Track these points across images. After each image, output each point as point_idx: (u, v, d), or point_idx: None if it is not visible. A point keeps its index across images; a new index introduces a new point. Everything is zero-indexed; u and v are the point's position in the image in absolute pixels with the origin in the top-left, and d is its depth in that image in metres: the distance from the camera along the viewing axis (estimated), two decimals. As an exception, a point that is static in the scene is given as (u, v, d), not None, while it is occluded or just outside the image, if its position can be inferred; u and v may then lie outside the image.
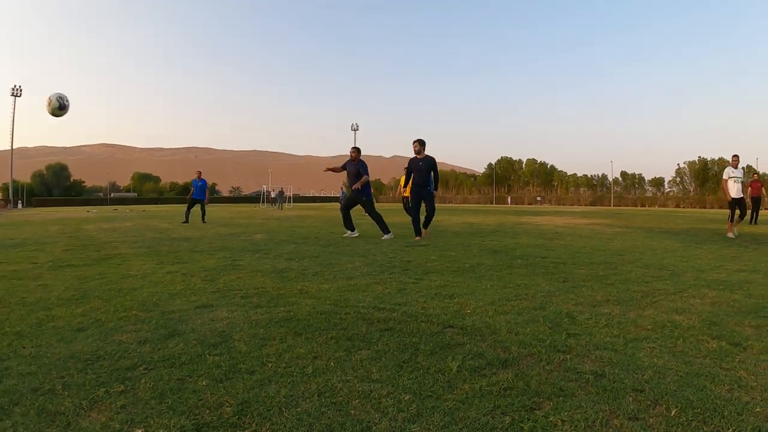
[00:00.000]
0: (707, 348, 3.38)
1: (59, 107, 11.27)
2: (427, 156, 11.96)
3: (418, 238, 11.77)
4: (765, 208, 19.59)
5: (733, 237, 13.13)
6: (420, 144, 11.91)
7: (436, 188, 12.17)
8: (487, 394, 2.54)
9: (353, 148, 12.76)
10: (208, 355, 3.16)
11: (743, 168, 14.00)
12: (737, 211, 13.91)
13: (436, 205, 12.34)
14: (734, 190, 13.91)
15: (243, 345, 3.38)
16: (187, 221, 19.94)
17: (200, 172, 21.21)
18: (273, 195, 67.35)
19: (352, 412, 2.34)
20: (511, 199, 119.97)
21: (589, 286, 5.65)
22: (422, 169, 11.80)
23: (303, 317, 4.12)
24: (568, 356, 3.15)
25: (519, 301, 4.77)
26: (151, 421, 2.29)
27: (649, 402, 2.48)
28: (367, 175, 12.32)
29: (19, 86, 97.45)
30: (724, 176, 14.05)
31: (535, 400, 2.48)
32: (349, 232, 13.06)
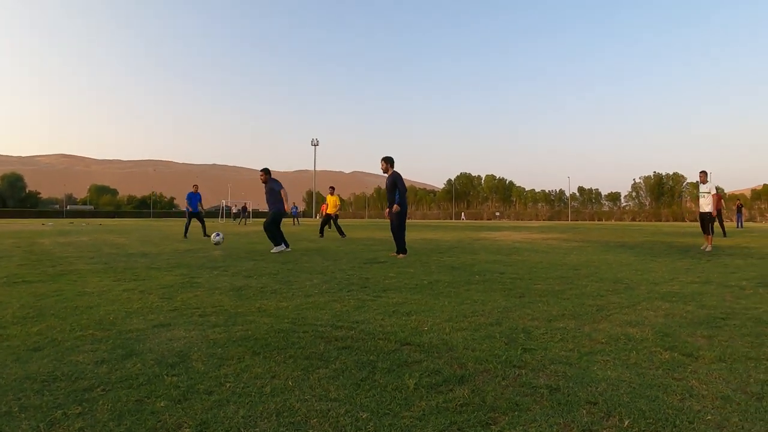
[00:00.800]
0: (660, 359, 3.48)
1: None
2: (393, 172, 12.09)
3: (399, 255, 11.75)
4: (728, 220, 20.41)
5: (707, 250, 13.71)
6: (386, 162, 12.07)
7: (400, 202, 11.86)
8: (443, 411, 2.57)
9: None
10: (165, 376, 3.14)
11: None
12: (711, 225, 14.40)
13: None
14: (702, 205, 14.65)
15: (201, 365, 3.37)
16: (185, 237, 19.90)
17: (197, 186, 20.98)
18: (234, 210, 66.81)
19: (311, 431, 2.37)
20: (465, 214, 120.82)
21: (545, 301, 5.73)
22: (388, 187, 11.96)
23: (261, 336, 4.11)
24: (523, 371, 3.20)
25: (476, 318, 4.81)
26: (110, 443, 2.27)
27: (602, 414, 2.55)
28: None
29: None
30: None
31: (490, 416, 2.52)
32: (282, 246, 13.07)
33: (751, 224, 59.96)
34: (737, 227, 37.34)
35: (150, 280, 7.47)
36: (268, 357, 3.53)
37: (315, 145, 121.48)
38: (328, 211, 21.66)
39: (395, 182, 11.79)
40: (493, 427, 2.41)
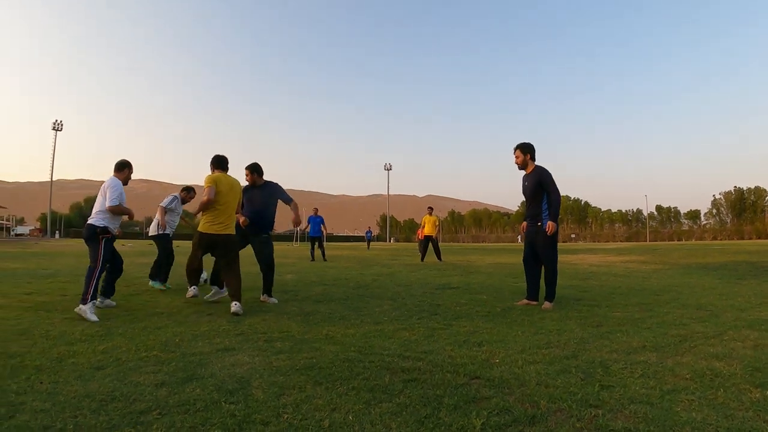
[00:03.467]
0: (750, 398, 3.18)
1: None
2: (536, 167, 7.55)
3: None
4: None
5: None
6: (522, 151, 7.66)
7: (553, 215, 7.31)
8: None
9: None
10: (223, 403, 3.09)
11: None
12: None
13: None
14: None
15: (261, 393, 3.30)
16: (313, 259, 20.16)
17: (317, 209, 21.20)
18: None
19: (368, 470, 2.23)
20: (521, 237, 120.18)
21: (625, 330, 5.44)
22: (529, 191, 7.52)
23: (325, 365, 4.02)
24: (600, 411, 2.98)
25: (550, 349, 4.59)
26: (158, 469, 2.22)
27: None
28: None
29: (60, 121, 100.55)
30: None
31: None
32: None
33: None
34: None
35: (220, 303, 7.53)
36: (331, 388, 3.43)
37: (388, 170, 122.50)
38: (426, 233, 20.91)
39: (541, 183, 7.47)
40: None
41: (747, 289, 9.06)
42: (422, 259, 20.25)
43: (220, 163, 7.56)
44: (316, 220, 20.44)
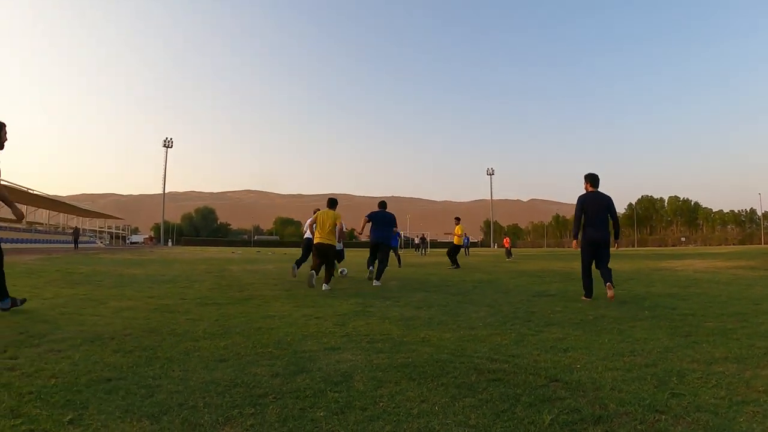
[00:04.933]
0: None
1: None
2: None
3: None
4: None
5: None
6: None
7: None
8: None
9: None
10: (329, 391, 3.56)
11: None
12: None
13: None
14: None
15: (361, 385, 3.74)
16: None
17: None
18: (416, 240, 68.29)
19: (443, 451, 2.61)
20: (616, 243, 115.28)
21: (712, 341, 5.43)
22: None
23: (420, 364, 4.38)
24: (663, 417, 3.12)
25: (632, 357, 4.71)
26: (273, 440, 2.70)
27: None
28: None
29: (171, 138, 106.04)
30: None
31: None
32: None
33: None
34: None
35: (327, 308, 7.97)
36: (422, 383, 3.81)
37: (491, 174, 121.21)
38: (456, 242, 21.87)
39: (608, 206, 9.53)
40: None
41: None
42: (457, 265, 21.07)
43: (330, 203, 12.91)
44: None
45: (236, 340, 5.32)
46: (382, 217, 13.92)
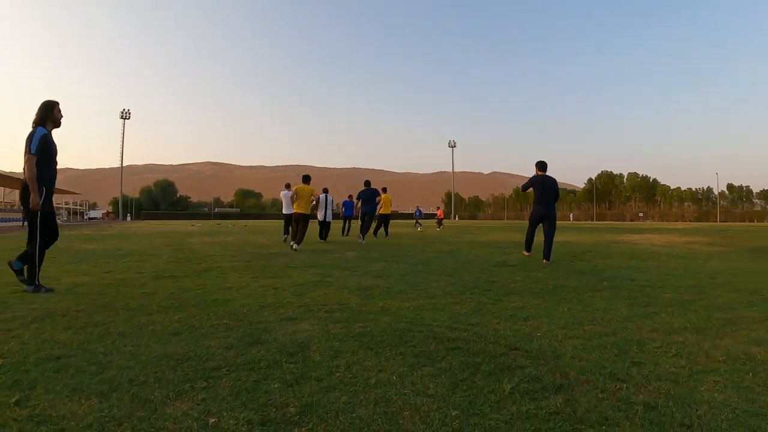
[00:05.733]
0: None
1: None
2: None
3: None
4: None
5: None
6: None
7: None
8: (531, 417, 2.63)
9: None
10: (284, 363, 3.48)
11: None
12: None
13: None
14: None
15: (317, 355, 3.66)
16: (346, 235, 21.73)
17: (351, 195, 22.01)
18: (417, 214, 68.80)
19: (401, 422, 2.55)
20: (572, 215, 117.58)
21: (671, 311, 5.49)
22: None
23: (378, 333, 4.33)
24: (625, 385, 3.12)
25: (592, 326, 4.73)
26: (225, 413, 2.64)
27: None
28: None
29: (128, 110, 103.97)
30: None
31: (577, 427, 2.53)
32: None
33: None
34: None
35: (285, 278, 7.90)
36: (380, 353, 3.75)
37: (452, 147, 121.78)
38: (383, 212, 21.52)
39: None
40: None
41: (810, 276, 8.81)
42: (375, 234, 21.78)
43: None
44: (350, 203, 21.60)
45: (191, 312, 5.19)
46: (366, 195, 18.92)
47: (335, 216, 21.08)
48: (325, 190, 19.54)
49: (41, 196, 6.43)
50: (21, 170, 6.54)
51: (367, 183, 19.63)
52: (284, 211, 18.68)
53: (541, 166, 11.96)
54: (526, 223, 12.75)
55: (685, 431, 2.52)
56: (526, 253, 12.36)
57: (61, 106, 6.78)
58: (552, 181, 11.75)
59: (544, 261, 11.08)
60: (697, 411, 2.75)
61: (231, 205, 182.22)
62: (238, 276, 8.18)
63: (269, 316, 5.05)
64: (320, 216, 18.89)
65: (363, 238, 17.64)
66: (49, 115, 6.66)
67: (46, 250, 6.80)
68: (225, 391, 2.94)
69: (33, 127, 6.53)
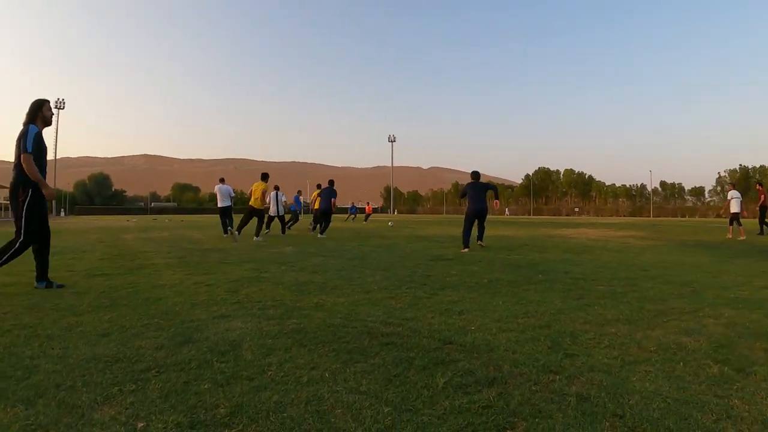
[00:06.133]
0: (707, 373, 3.29)
1: None
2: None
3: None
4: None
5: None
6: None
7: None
8: (465, 412, 2.62)
9: None
10: (215, 362, 3.40)
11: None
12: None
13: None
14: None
15: (249, 354, 3.59)
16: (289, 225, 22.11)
17: (301, 191, 21.96)
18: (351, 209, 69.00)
19: (332, 420, 2.51)
20: (508, 210, 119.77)
21: (603, 303, 5.60)
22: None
23: (312, 330, 4.28)
24: (558, 377, 3.15)
25: (526, 319, 4.79)
26: (153, 417, 2.55)
27: (626, 429, 2.46)
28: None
29: (62, 99, 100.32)
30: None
31: (510, 420, 2.53)
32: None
33: None
34: None
35: (220, 275, 7.77)
36: (313, 350, 3.70)
37: (392, 141, 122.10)
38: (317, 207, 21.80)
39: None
40: (509, 431, 2.44)
41: (736, 268, 9.15)
42: (313, 230, 22.21)
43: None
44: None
45: (122, 312, 5.03)
46: (325, 192, 19.74)
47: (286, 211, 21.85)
48: (276, 188, 20.31)
49: (31, 194, 6.40)
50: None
51: (331, 182, 20.29)
52: (219, 205, 19.48)
53: (475, 175, 14.13)
54: (464, 217, 13.28)
55: (617, 421, 2.55)
56: (464, 250, 12.67)
57: (51, 104, 6.79)
58: (483, 185, 13.93)
59: (480, 243, 13.83)
60: (629, 401, 2.80)
61: (168, 200, 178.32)
62: (171, 273, 8.00)
63: (201, 314, 4.95)
64: (272, 211, 19.80)
65: (319, 231, 18.93)
66: (38, 113, 6.64)
67: (36, 250, 6.75)
68: (154, 393, 2.85)
69: (24, 126, 6.48)
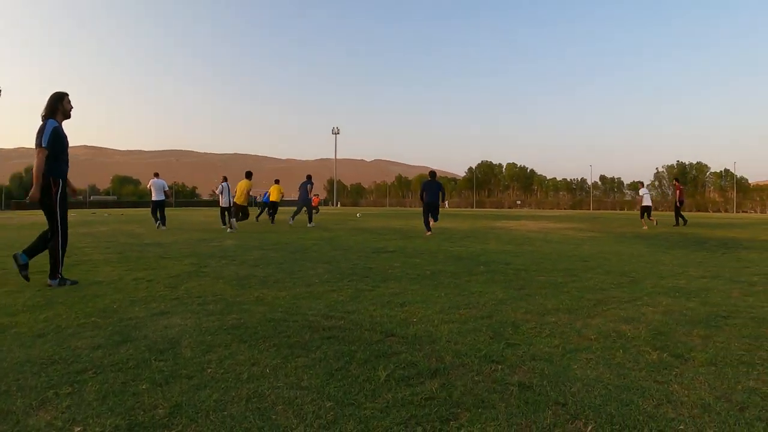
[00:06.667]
0: (646, 360, 3.38)
1: None
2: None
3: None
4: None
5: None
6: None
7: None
8: (407, 404, 2.62)
9: None
10: (153, 361, 3.30)
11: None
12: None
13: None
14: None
15: (189, 351, 3.51)
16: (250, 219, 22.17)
17: (226, 177, 22.13)
18: (259, 199, 68.64)
19: (274, 417, 2.47)
20: (448, 203, 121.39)
21: (544, 294, 5.70)
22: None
23: (252, 325, 4.22)
24: (500, 367, 3.18)
25: (468, 310, 4.82)
26: (90, 421, 2.46)
27: (568, 416, 2.49)
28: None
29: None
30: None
31: (453, 411, 2.54)
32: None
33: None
34: None
35: (160, 270, 7.62)
36: (254, 345, 3.65)
37: (336, 134, 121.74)
38: (272, 199, 23.54)
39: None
40: (453, 423, 2.43)
41: (672, 258, 9.43)
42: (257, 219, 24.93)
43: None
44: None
45: (58, 311, 4.86)
46: (302, 185, 21.77)
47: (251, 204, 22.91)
48: (225, 179, 20.89)
49: (59, 189, 6.62)
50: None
51: (309, 177, 22.03)
52: (153, 198, 20.42)
53: (431, 175, 17.55)
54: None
55: (560, 409, 2.58)
56: (427, 233, 16.07)
57: (70, 97, 6.76)
58: (437, 184, 17.10)
59: (432, 222, 16.88)
60: (570, 388, 2.84)
61: (107, 193, 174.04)
62: (110, 269, 7.80)
63: (140, 311, 4.83)
64: (224, 203, 20.14)
65: (292, 220, 21.52)
66: (59, 106, 6.64)
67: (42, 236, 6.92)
68: (91, 395, 2.76)
69: (43, 120, 6.52)
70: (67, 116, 6.72)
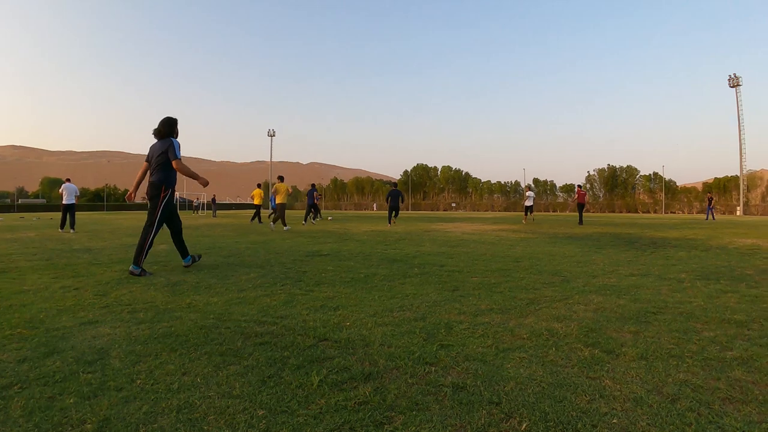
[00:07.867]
0: (578, 356, 3.47)
1: None
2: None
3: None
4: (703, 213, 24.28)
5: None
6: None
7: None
8: (341, 409, 2.62)
9: None
10: (81, 373, 3.20)
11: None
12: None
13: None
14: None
15: (118, 362, 3.42)
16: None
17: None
18: (195, 202, 68.34)
19: (205, 428, 2.44)
20: (375, 205, 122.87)
21: (477, 294, 5.77)
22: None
23: (183, 333, 4.14)
24: (433, 368, 3.21)
25: (402, 312, 4.85)
26: (16, 438, 2.35)
27: (502, 415, 2.53)
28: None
29: None
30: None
31: (387, 415, 2.55)
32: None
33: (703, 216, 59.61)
34: (707, 219, 39.73)
35: (89, 277, 7.41)
36: (184, 354, 3.58)
37: (272, 136, 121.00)
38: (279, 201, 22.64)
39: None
40: (387, 426, 2.44)
41: (603, 258, 9.67)
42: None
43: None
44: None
45: (-19, 323, 4.70)
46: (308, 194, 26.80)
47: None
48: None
49: (170, 194, 8.07)
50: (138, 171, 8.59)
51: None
52: (64, 202, 21.29)
53: (394, 185, 21.73)
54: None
55: (494, 408, 2.62)
56: (388, 226, 22.54)
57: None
58: (398, 192, 24.01)
59: (394, 219, 24.34)
60: (504, 387, 2.89)
61: (37, 196, 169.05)
62: (37, 277, 7.53)
63: (68, 320, 4.67)
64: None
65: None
66: (176, 128, 8.27)
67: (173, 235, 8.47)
68: (16, 412, 2.66)
69: (166, 138, 8.03)
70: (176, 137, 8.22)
